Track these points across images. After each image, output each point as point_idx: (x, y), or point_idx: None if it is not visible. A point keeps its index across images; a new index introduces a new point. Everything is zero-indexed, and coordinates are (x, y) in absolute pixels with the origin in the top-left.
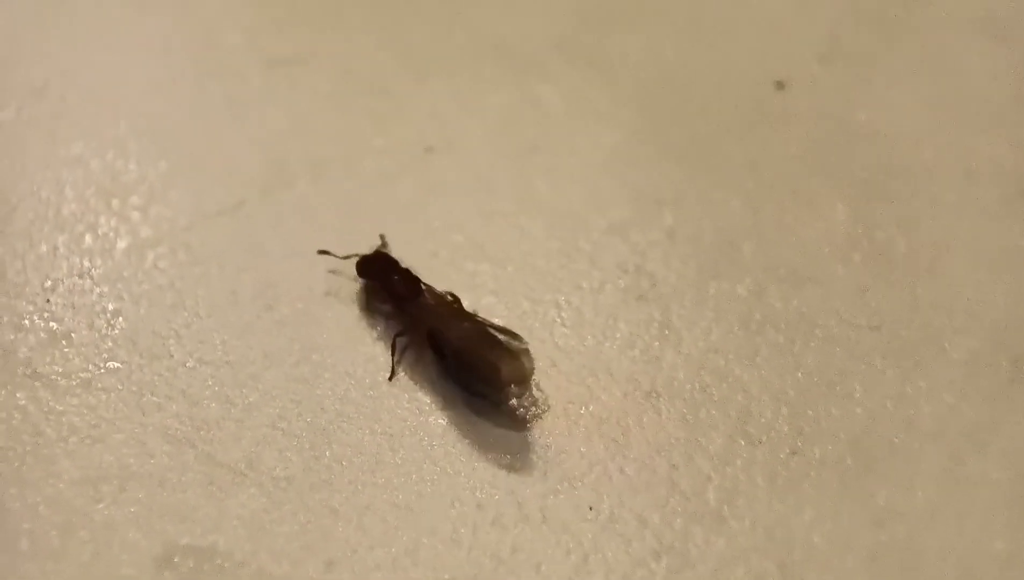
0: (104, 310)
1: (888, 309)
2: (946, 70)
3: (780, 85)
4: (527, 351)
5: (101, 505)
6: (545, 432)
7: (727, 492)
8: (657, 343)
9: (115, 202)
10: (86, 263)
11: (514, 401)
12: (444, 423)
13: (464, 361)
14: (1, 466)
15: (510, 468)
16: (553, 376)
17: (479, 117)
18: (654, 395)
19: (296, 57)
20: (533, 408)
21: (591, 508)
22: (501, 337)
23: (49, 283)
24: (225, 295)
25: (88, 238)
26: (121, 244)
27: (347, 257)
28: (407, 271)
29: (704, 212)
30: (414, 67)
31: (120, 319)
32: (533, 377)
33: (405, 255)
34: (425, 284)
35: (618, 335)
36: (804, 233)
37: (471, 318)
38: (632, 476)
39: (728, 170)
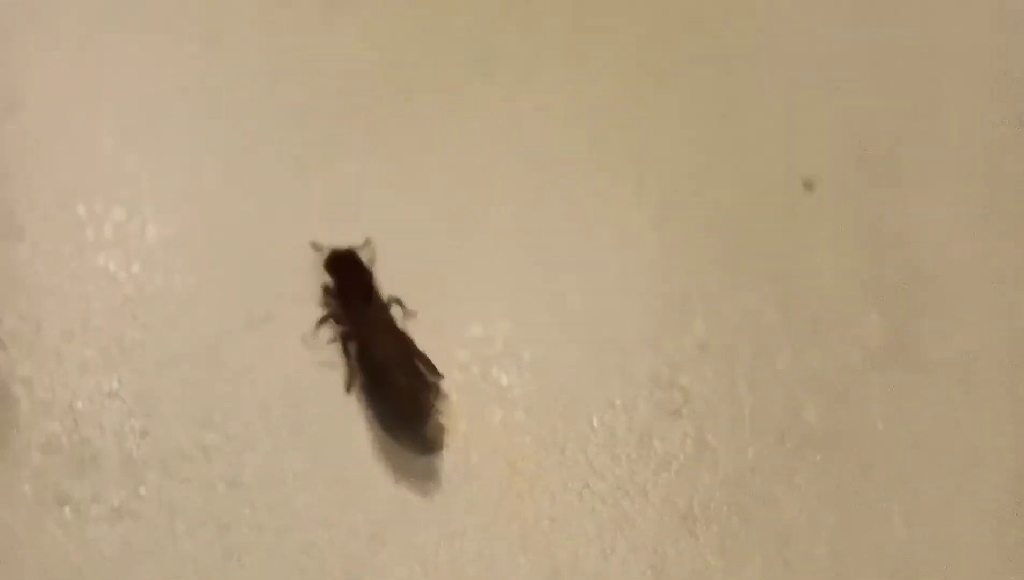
0: (133, 430)
1: (925, 424)
2: (979, 172)
3: (809, 185)
4: (437, 387)
5: None
6: (579, 556)
7: None
8: (692, 463)
9: (142, 314)
10: (114, 383)
11: None
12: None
13: (376, 378)
14: None
15: None
16: (587, 498)
17: (510, 224)
18: (690, 519)
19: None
20: (564, 531)
21: None
22: (420, 366)
23: (79, 403)
24: (255, 412)
25: (116, 353)
26: (149, 359)
27: (320, 250)
28: (366, 278)
29: (736, 322)
30: (449, 171)
31: (149, 439)
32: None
33: (440, 365)
34: (376, 295)
35: (652, 454)
36: (838, 343)
37: (401, 339)
38: None
39: (759, 277)
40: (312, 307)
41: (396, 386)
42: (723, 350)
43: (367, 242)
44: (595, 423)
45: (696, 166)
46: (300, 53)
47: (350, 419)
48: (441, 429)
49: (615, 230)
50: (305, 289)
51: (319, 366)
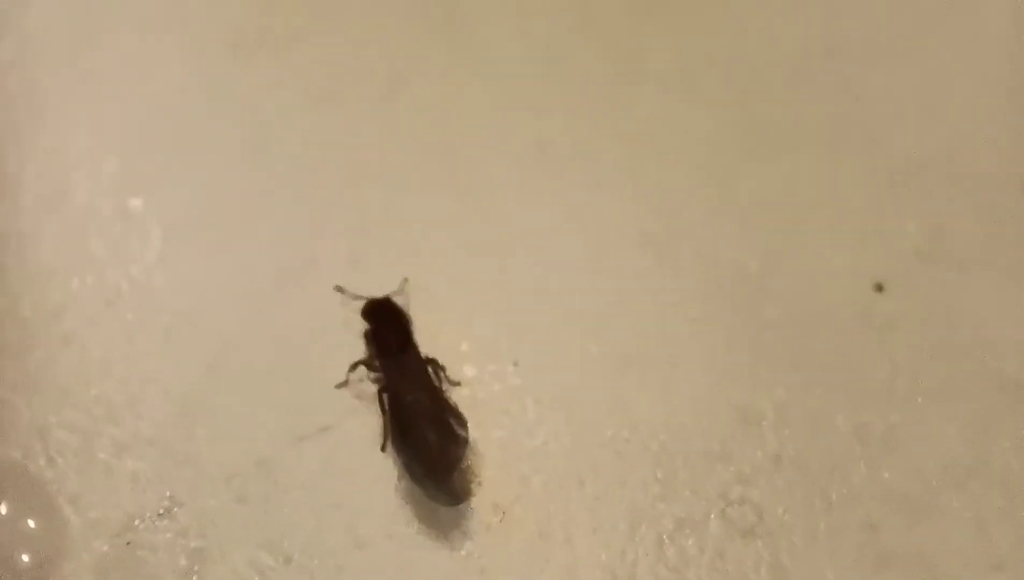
0: (186, 549)
1: (1009, 547)
2: None
3: (879, 287)
4: (465, 440)
5: None
6: None
7: None
8: None
9: (196, 426)
10: (167, 500)
11: None
12: None
13: (406, 430)
14: None
15: None
16: None
17: (571, 323)
18: None
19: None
20: None
21: None
22: (451, 420)
23: (137, 522)
24: (312, 531)
25: (168, 468)
26: (203, 474)
27: (358, 298)
28: (403, 327)
29: (809, 432)
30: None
31: (204, 563)
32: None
33: (494, 486)
34: (413, 345)
35: (725, 578)
36: (915, 457)
37: (433, 392)
38: None
39: (830, 384)
40: (368, 416)
41: (424, 440)
42: (796, 462)
43: (404, 282)
44: (665, 541)
45: (762, 268)
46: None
47: (410, 539)
48: (468, 483)
49: (679, 336)
50: (361, 399)
51: (378, 480)
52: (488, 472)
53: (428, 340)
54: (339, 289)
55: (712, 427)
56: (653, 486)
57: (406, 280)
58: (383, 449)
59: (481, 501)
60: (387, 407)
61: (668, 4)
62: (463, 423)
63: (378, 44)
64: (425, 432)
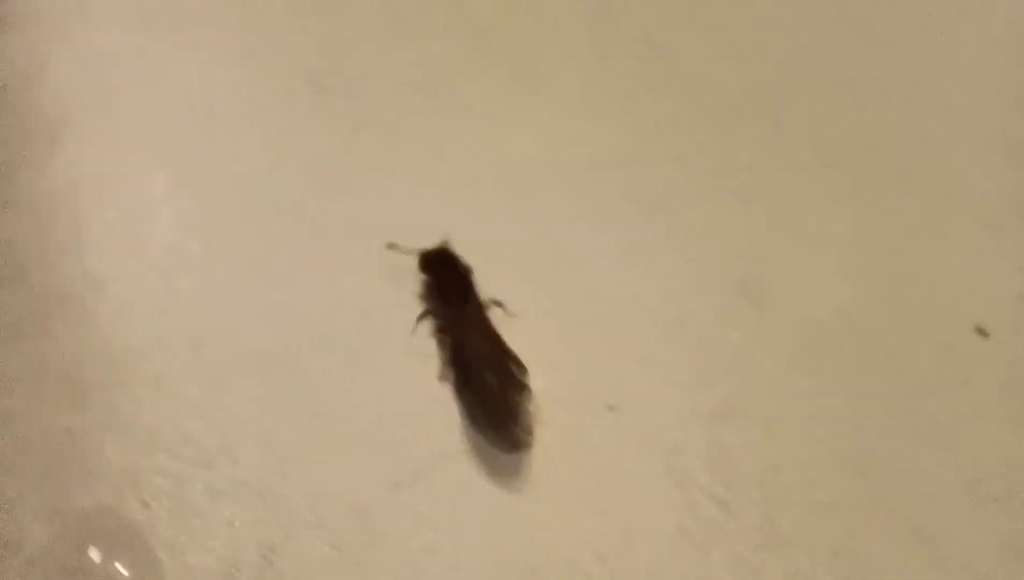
0: None
1: None
2: None
3: (982, 332)
4: (525, 386)
5: None
6: None
7: None
8: None
9: (291, 474)
10: (263, 545)
11: None
12: None
13: (467, 377)
14: None
15: None
16: None
17: (668, 369)
18: None
19: None
20: None
21: None
22: (512, 367)
23: (226, 568)
24: (408, 575)
25: (263, 512)
26: (297, 520)
27: (411, 253)
28: (464, 276)
29: (912, 481)
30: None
31: None
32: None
33: (593, 535)
34: (474, 293)
35: None
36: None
37: (494, 339)
38: None
39: (935, 433)
40: (462, 463)
41: (485, 386)
42: (903, 513)
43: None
44: None
45: (860, 313)
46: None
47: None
48: (529, 431)
49: (778, 383)
50: (452, 444)
51: (473, 525)
52: (587, 520)
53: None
54: (392, 246)
55: (817, 478)
56: (756, 536)
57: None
58: (440, 379)
59: (582, 549)
60: (450, 354)
61: (742, 44)
62: (524, 370)
63: (447, 75)
64: (486, 379)
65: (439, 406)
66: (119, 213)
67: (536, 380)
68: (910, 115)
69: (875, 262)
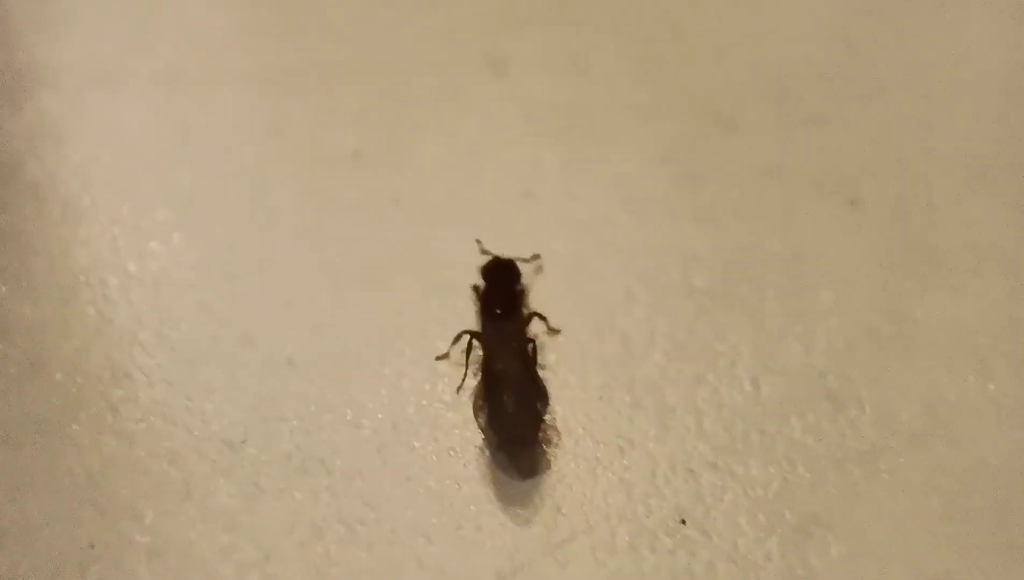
0: None
1: None
2: None
3: None
4: (540, 418)
5: None
6: None
7: None
8: None
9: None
10: None
11: None
12: None
13: (490, 392)
14: None
15: None
16: None
17: (748, 485)
18: None
19: None
20: None
21: None
22: (533, 394)
23: None
24: None
25: None
26: None
27: (484, 253)
28: (514, 293)
29: None
30: None
31: None
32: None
33: None
34: (520, 313)
35: None
36: None
37: (525, 363)
38: None
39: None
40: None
41: (502, 408)
42: None
43: (535, 257)
44: None
45: (948, 416)
46: None
47: None
48: (542, 460)
49: (861, 493)
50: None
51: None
52: None
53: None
54: (479, 242)
55: None
56: None
57: (538, 256)
58: (457, 390)
59: None
60: (478, 366)
61: (820, 122)
62: (545, 400)
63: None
64: (505, 401)
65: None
66: (145, 296)
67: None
68: (992, 190)
69: (961, 354)
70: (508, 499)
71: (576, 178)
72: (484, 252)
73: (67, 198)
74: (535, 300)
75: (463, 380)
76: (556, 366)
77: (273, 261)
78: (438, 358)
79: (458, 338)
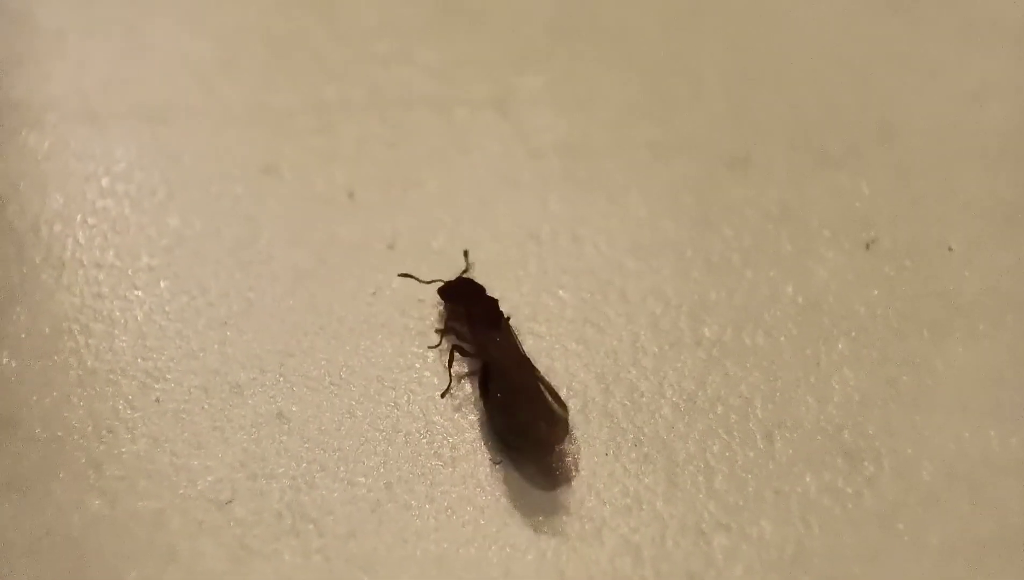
0: None
1: None
2: None
3: None
4: (565, 421)
5: None
6: None
7: None
8: None
9: None
10: None
11: None
12: None
13: (504, 406)
14: None
15: None
16: None
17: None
18: None
19: None
20: None
21: None
22: (548, 397)
23: None
24: None
25: None
26: None
27: (431, 282)
28: (492, 301)
29: None
30: None
31: None
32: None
33: None
34: (504, 320)
35: None
36: None
37: (530, 369)
38: None
39: None
40: None
41: (517, 419)
42: None
43: (467, 257)
44: None
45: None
46: None
47: None
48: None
49: (892, 547)
50: None
51: None
52: None
53: None
54: (406, 275)
55: None
56: None
57: (466, 252)
58: (443, 396)
59: None
60: (488, 385)
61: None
62: (563, 404)
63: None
64: (518, 413)
65: None
66: (130, 345)
67: None
68: None
69: (991, 403)
70: (509, 563)
71: (582, 222)
72: (415, 279)
73: (50, 242)
74: (538, 347)
75: (448, 386)
76: None
77: (264, 308)
78: (430, 347)
79: (451, 354)
